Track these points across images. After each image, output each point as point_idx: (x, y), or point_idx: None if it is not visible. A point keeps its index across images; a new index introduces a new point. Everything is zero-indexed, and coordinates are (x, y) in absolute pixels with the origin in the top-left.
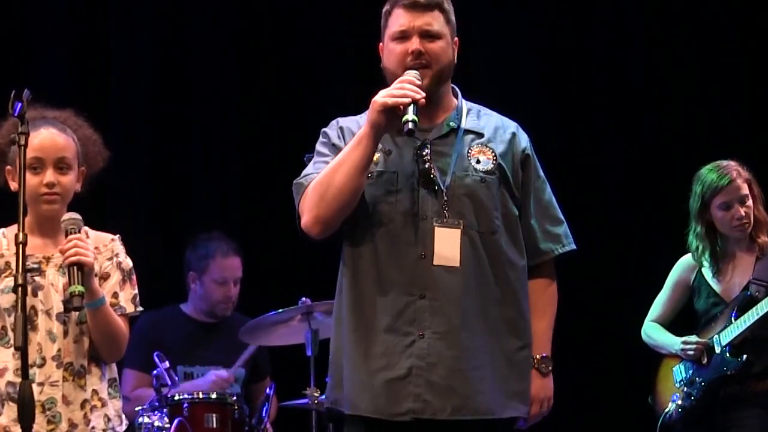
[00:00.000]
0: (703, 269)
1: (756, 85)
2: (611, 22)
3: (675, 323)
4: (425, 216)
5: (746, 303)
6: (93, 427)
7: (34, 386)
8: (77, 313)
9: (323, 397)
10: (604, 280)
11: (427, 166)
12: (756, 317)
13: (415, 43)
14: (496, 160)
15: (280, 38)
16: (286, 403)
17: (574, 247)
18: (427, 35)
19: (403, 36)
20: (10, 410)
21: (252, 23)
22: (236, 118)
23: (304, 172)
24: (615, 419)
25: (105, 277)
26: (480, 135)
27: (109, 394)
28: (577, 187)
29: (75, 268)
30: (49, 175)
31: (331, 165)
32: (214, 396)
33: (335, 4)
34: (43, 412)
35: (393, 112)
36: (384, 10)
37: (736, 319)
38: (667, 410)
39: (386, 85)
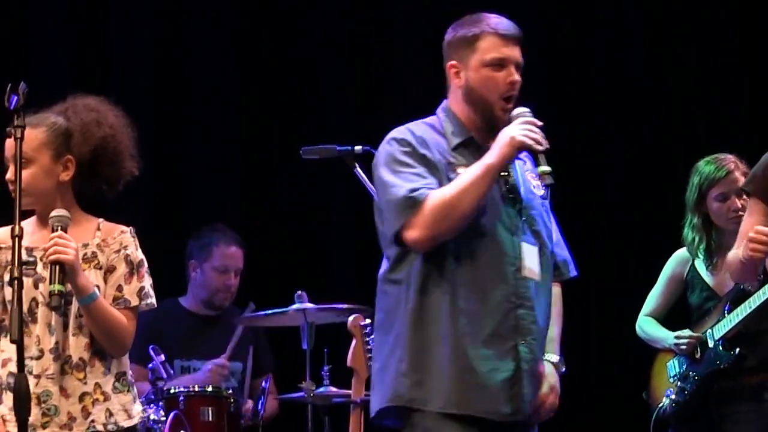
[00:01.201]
0: (696, 263)
1: (756, 85)
2: (611, 22)
3: (669, 317)
4: (514, 231)
5: (739, 297)
6: (93, 421)
7: (31, 378)
8: (78, 306)
9: (319, 390)
10: (604, 280)
11: (510, 184)
12: (749, 310)
13: (515, 75)
14: (542, 185)
15: (280, 38)
16: (282, 396)
17: (576, 273)
18: (518, 67)
19: (500, 64)
20: (9, 399)
21: (252, 23)
22: (236, 118)
23: (409, 186)
24: (610, 415)
25: (111, 269)
26: (522, 161)
27: (114, 388)
28: (577, 187)
29: (56, 267)
30: (9, 172)
31: (457, 188)
32: (210, 389)
33: (335, 4)
34: (38, 405)
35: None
36: (469, 32)
37: (729, 313)
38: (661, 405)
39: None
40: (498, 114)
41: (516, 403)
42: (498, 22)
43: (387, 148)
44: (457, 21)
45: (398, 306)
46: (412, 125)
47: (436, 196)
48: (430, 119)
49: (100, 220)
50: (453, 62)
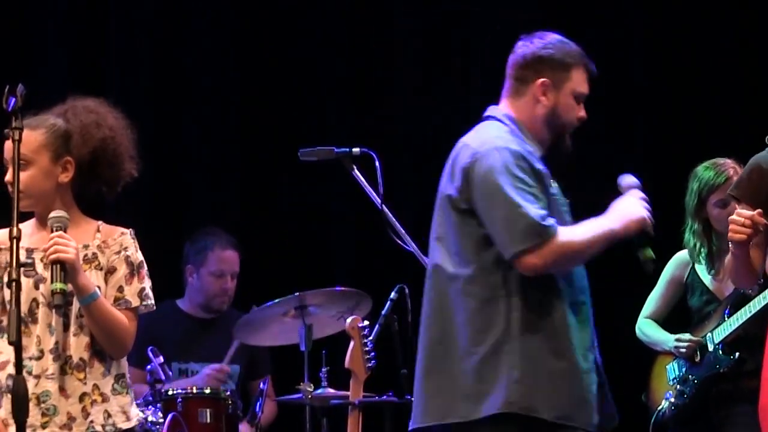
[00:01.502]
0: (696, 266)
1: (756, 85)
2: (611, 22)
3: (669, 320)
4: None
5: (739, 301)
6: (92, 421)
7: (31, 378)
8: (79, 306)
9: (317, 391)
10: (604, 280)
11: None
12: (749, 315)
13: (584, 112)
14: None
15: (278, 39)
16: (280, 398)
17: None
18: None
19: (581, 99)
20: (9, 403)
21: (251, 24)
22: (236, 118)
23: (537, 213)
24: None
25: (111, 270)
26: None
27: (113, 389)
28: (576, 186)
29: (58, 266)
30: (8, 174)
31: (586, 242)
32: (208, 391)
33: (334, 4)
34: (37, 405)
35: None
36: (568, 57)
37: (729, 317)
38: (660, 408)
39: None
40: (566, 141)
41: (601, 413)
42: (586, 56)
43: (501, 156)
44: (541, 35)
45: (495, 311)
46: (507, 134)
47: (566, 238)
48: (502, 126)
49: (100, 222)
50: (546, 80)
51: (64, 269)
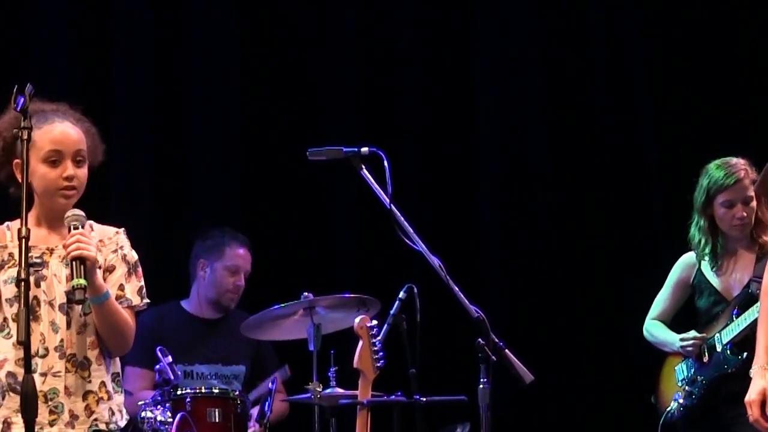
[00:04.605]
0: (702, 266)
1: (756, 85)
2: (611, 22)
3: (678, 322)
4: None
5: (747, 301)
6: (96, 419)
7: (37, 377)
8: (81, 304)
9: (326, 391)
10: (608, 280)
11: None
12: (757, 315)
13: None
14: None
15: (283, 37)
16: (290, 398)
17: None
18: None
19: None
20: (11, 401)
21: (255, 20)
22: (238, 116)
23: None
24: (618, 418)
25: (110, 269)
26: None
27: (113, 388)
28: (576, 186)
29: (78, 262)
30: (70, 169)
31: None
32: (216, 390)
33: (339, 3)
34: (45, 403)
35: None
36: None
37: (737, 317)
38: (669, 409)
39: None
40: None
41: None
42: None
43: None
44: None
45: None
46: None
47: None
48: None
49: (91, 221)
50: None
51: (84, 266)
